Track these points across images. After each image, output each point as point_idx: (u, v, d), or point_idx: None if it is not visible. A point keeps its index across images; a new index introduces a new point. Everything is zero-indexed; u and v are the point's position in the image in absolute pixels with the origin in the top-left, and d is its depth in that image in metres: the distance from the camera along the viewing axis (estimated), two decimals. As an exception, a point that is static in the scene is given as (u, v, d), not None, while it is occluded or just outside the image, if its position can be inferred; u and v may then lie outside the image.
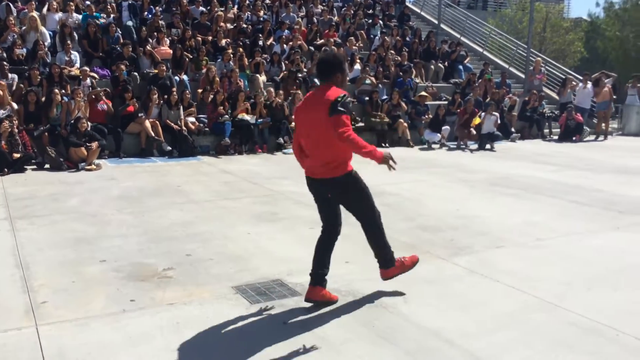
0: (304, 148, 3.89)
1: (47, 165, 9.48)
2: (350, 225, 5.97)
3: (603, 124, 15.71)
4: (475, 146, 13.09)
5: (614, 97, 16.75)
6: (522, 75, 18.47)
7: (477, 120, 13.22)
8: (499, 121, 13.37)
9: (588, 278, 4.44)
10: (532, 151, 12.68)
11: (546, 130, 15.81)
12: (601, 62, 29.74)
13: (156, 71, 12.30)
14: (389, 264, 4.02)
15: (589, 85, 16.05)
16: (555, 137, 15.30)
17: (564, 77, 17.63)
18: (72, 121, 10.00)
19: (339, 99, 3.56)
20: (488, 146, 12.94)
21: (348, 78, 15.67)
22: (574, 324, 3.60)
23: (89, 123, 10.17)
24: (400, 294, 4.08)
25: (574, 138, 14.84)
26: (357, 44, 16.91)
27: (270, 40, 15.64)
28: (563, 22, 31.33)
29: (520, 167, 10.21)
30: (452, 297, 4.05)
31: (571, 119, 14.95)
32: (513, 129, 14.94)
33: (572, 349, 3.28)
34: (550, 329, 3.55)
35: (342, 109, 3.55)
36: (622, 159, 11.32)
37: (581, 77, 16.79)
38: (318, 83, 3.79)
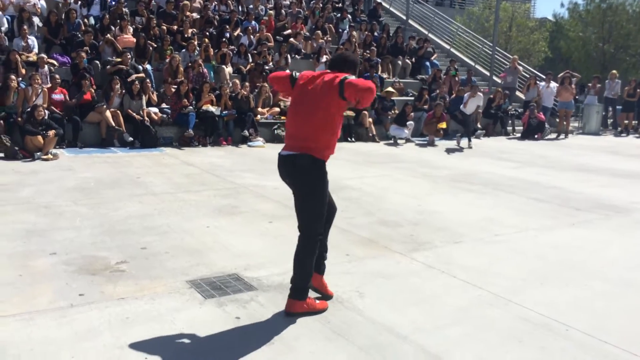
0: (287, 126, 3.67)
1: (1, 154, 9.16)
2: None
3: (564, 123, 16.07)
4: (443, 142, 13.22)
5: (577, 97, 17.15)
6: (488, 73, 18.74)
7: (443, 125, 13.39)
8: (481, 104, 13.47)
9: (542, 273, 4.51)
10: (495, 148, 12.87)
11: (509, 128, 16.09)
12: (564, 62, 30.40)
13: (119, 60, 12.01)
14: (301, 295, 3.59)
15: (552, 84, 16.38)
16: (518, 135, 15.57)
17: (528, 76, 17.95)
18: (29, 109, 9.68)
19: (343, 79, 3.36)
20: (464, 141, 12.83)
21: (316, 71, 15.66)
22: (526, 319, 3.64)
23: (46, 111, 9.86)
24: (356, 289, 4.07)
25: (536, 136, 15.14)
26: (325, 38, 16.86)
27: (238, 32, 15.46)
28: (528, 22, 31.87)
29: (483, 163, 10.35)
30: (408, 293, 4.06)
31: (534, 117, 15.23)
32: (479, 125, 15.15)
33: (523, 344, 3.31)
34: (502, 323, 3.58)
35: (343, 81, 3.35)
36: (581, 157, 11.58)
37: (544, 77, 17.12)
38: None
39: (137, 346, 3.14)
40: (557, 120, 16.38)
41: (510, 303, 3.89)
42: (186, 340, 3.24)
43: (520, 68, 18.10)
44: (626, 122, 17.48)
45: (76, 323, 3.38)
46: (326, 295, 3.86)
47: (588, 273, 4.56)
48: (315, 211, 3.54)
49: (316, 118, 3.46)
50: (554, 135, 15.76)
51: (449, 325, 3.54)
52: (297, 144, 3.52)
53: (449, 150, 12.19)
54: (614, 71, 18.40)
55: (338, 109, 3.48)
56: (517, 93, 17.98)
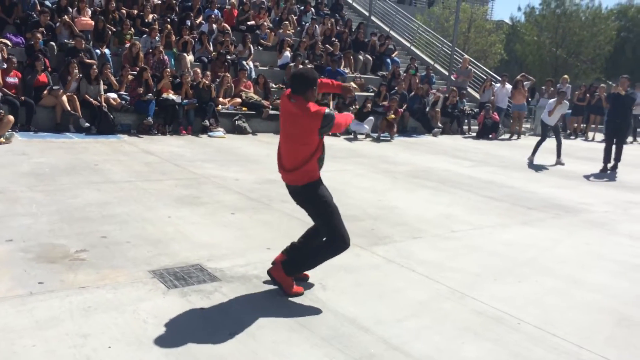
0: (278, 153, 3.97)
1: (-51, 136, 8.79)
2: (271, 212, 5.99)
3: (517, 124, 16.59)
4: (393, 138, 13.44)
5: (530, 99, 17.71)
6: (446, 72, 19.12)
7: (392, 116, 13.57)
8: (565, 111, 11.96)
9: (496, 269, 4.70)
10: (451, 146, 13.19)
11: (465, 127, 16.50)
12: (519, 65, 31.28)
13: (74, 43, 11.67)
14: (291, 271, 3.84)
15: (507, 86, 16.87)
16: (474, 134, 15.99)
17: (485, 77, 18.42)
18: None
19: (326, 113, 3.67)
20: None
21: (278, 64, 15.59)
22: (481, 313, 3.80)
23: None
24: (319, 281, 4.14)
25: (490, 136, 15.58)
26: (289, 30, 16.83)
27: (200, 19, 15.25)
28: (486, 24, 32.61)
29: (440, 161, 10.60)
30: (369, 285, 4.16)
31: (489, 117, 15.67)
32: (440, 124, 15.47)
33: (477, 336, 3.47)
34: (458, 316, 3.73)
35: (328, 119, 3.67)
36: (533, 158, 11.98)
37: (500, 78, 17.60)
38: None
39: (100, 335, 3.12)
40: (511, 121, 16.90)
41: (466, 297, 4.05)
42: (150, 330, 3.24)
43: (471, 68, 18.52)
44: (575, 125, 18.20)
45: (37, 311, 3.32)
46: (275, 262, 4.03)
47: (539, 269, 4.78)
48: (332, 219, 3.80)
49: (298, 153, 3.76)
50: (507, 136, 16.26)
51: (409, 318, 3.66)
52: (288, 177, 3.86)
53: (406, 148, 12.40)
54: (566, 76, 19.08)
55: (317, 139, 3.77)
56: (473, 93, 18.43)
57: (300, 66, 14.61)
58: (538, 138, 11.87)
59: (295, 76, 3.84)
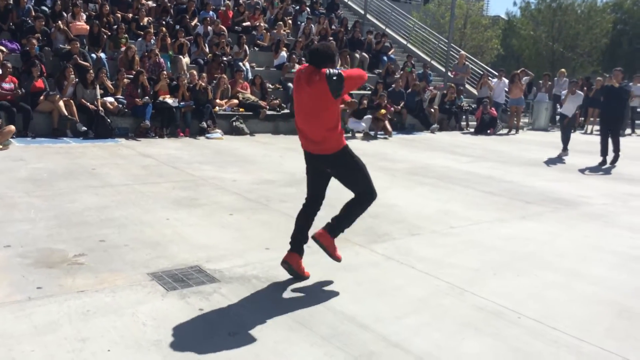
0: (298, 125, 4.04)
1: (-54, 144, 8.78)
2: (269, 212, 5.99)
3: (515, 119, 16.59)
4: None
5: (527, 93, 17.71)
6: (443, 69, 19.12)
7: (382, 112, 13.54)
8: (581, 103, 11.74)
9: (495, 264, 4.70)
10: (449, 142, 13.18)
11: (463, 123, 16.50)
12: (515, 59, 31.30)
13: (69, 47, 11.66)
14: (334, 233, 4.10)
15: (504, 80, 16.86)
16: (472, 130, 15.98)
17: (481, 72, 18.41)
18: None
19: (328, 73, 3.73)
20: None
21: (274, 64, 15.55)
22: (480, 308, 3.80)
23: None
24: (319, 280, 4.14)
25: (488, 131, 15.58)
26: (284, 30, 16.82)
27: (195, 21, 15.24)
28: (482, 20, 32.62)
29: (438, 157, 10.59)
30: (368, 283, 4.16)
31: (486, 113, 15.67)
32: (435, 123, 15.46)
33: (478, 331, 3.46)
34: (458, 312, 3.72)
35: (335, 78, 3.71)
36: (531, 153, 12.01)
37: (496, 73, 17.60)
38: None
39: (99, 339, 3.12)
40: (509, 116, 16.89)
41: (465, 292, 4.05)
42: (148, 332, 3.24)
43: (469, 64, 18.51)
44: (573, 118, 18.18)
45: (35, 316, 3.32)
46: (302, 277, 4.08)
47: (538, 263, 4.77)
48: (366, 175, 4.04)
49: (323, 123, 3.84)
50: (505, 131, 16.25)
51: (408, 315, 3.65)
52: (317, 147, 3.94)
53: (404, 145, 12.39)
54: (563, 69, 19.10)
55: (335, 105, 3.84)
56: (470, 89, 18.42)
57: (296, 64, 14.62)
58: (537, 133, 11.89)
59: (313, 51, 3.93)
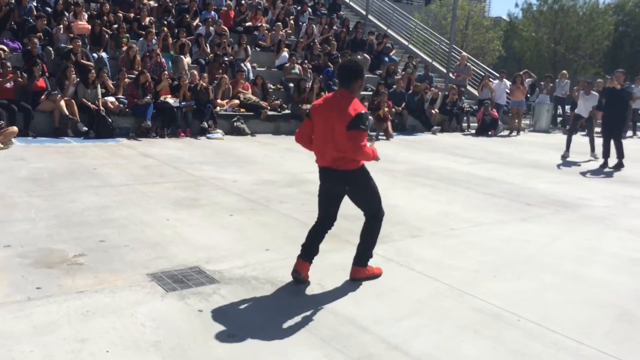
0: (315, 144, 4.05)
1: (-53, 143, 8.79)
2: (270, 213, 5.99)
3: (516, 121, 16.57)
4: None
5: (529, 95, 17.70)
6: (444, 70, 19.10)
7: (384, 110, 13.50)
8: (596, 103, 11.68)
9: (495, 266, 4.69)
10: (450, 144, 13.18)
11: (464, 124, 16.49)
12: (517, 61, 31.27)
13: (71, 47, 11.67)
14: (364, 262, 4.21)
15: (505, 82, 16.85)
16: (473, 131, 15.97)
17: (483, 74, 18.40)
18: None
19: (361, 116, 3.78)
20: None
21: (276, 64, 15.57)
22: (480, 310, 3.79)
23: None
24: (318, 281, 4.13)
25: (489, 133, 15.56)
26: (285, 31, 16.83)
27: (196, 22, 15.25)
28: (484, 21, 32.60)
29: (440, 159, 10.59)
30: (368, 285, 4.15)
31: (487, 114, 15.66)
32: (436, 124, 15.45)
33: (477, 334, 3.46)
34: (457, 314, 3.72)
35: (362, 127, 3.79)
36: (532, 154, 11.99)
37: (498, 75, 17.59)
38: (335, 88, 3.97)
39: (98, 339, 3.12)
40: (510, 117, 16.88)
41: (465, 294, 4.04)
42: (147, 333, 3.23)
43: (470, 66, 18.50)
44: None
45: (34, 316, 3.32)
46: (305, 282, 4.10)
47: (538, 266, 4.77)
48: (374, 198, 4.15)
49: (343, 143, 3.84)
50: (506, 133, 16.24)
51: (408, 317, 3.65)
52: (335, 163, 3.94)
53: (406, 146, 12.39)
54: (564, 71, 19.07)
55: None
56: (472, 90, 18.41)
57: (296, 64, 14.62)
58: (538, 134, 11.88)
59: (343, 68, 3.99)
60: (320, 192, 4.19)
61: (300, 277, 4.08)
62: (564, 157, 11.38)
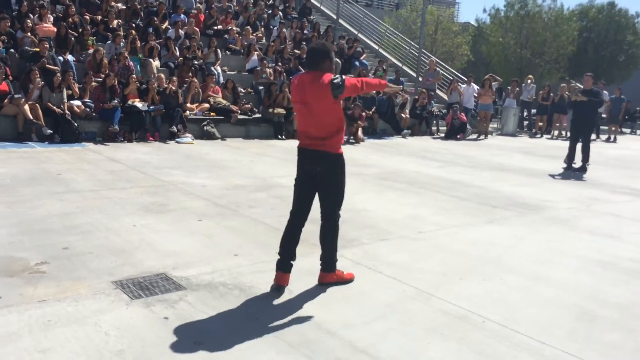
0: (298, 125, 4.11)
1: None
2: (239, 218, 5.95)
3: (484, 124, 16.86)
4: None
5: (496, 100, 18.02)
6: (414, 74, 19.31)
7: (362, 124, 13.65)
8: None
9: (462, 269, 4.75)
10: (420, 147, 13.32)
11: (434, 128, 16.69)
12: (485, 66, 31.74)
13: (37, 49, 11.42)
14: (331, 268, 4.20)
15: (473, 86, 17.13)
16: (442, 135, 16.18)
17: (451, 78, 18.67)
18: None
19: (333, 80, 3.79)
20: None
21: (246, 68, 15.45)
22: (446, 312, 3.84)
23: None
24: (287, 287, 4.12)
25: (458, 136, 15.79)
26: (256, 35, 16.78)
27: (166, 24, 15.09)
28: (453, 26, 33.02)
29: (409, 162, 10.69)
30: (336, 289, 4.16)
31: (456, 118, 15.88)
32: (406, 128, 15.61)
33: (443, 336, 3.49)
34: (424, 317, 3.75)
35: (339, 82, 3.77)
36: (499, 157, 12.21)
37: (465, 79, 17.87)
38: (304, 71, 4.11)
39: (59, 350, 3.05)
40: (478, 121, 17.16)
41: (432, 297, 4.08)
42: (111, 342, 3.18)
43: (439, 70, 18.75)
44: (540, 124, 18.59)
45: (-7, 327, 3.23)
46: (280, 287, 4.05)
47: (503, 267, 4.85)
48: (342, 194, 4.10)
49: (326, 122, 3.90)
50: (474, 136, 16.50)
51: (376, 320, 3.67)
52: (317, 143, 3.93)
53: (376, 150, 12.46)
54: (530, 76, 19.48)
55: (338, 106, 3.96)
56: (441, 94, 18.65)
57: (267, 68, 14.60)
58: (505, 138, 12.05)
59: (309, 51, 4.07)
60: (297, 176, 4.15)
61: (282, 290, 4.02)
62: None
